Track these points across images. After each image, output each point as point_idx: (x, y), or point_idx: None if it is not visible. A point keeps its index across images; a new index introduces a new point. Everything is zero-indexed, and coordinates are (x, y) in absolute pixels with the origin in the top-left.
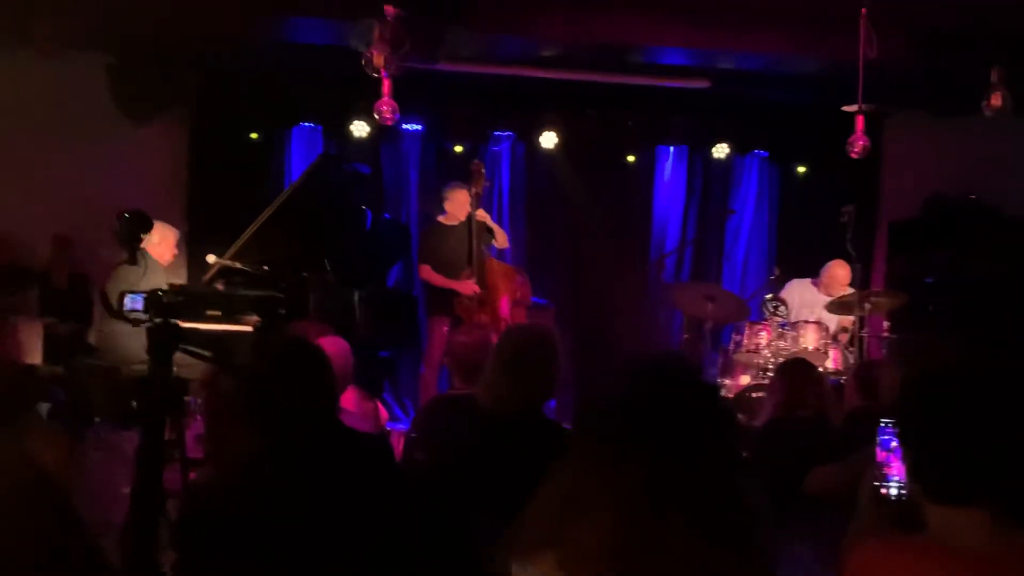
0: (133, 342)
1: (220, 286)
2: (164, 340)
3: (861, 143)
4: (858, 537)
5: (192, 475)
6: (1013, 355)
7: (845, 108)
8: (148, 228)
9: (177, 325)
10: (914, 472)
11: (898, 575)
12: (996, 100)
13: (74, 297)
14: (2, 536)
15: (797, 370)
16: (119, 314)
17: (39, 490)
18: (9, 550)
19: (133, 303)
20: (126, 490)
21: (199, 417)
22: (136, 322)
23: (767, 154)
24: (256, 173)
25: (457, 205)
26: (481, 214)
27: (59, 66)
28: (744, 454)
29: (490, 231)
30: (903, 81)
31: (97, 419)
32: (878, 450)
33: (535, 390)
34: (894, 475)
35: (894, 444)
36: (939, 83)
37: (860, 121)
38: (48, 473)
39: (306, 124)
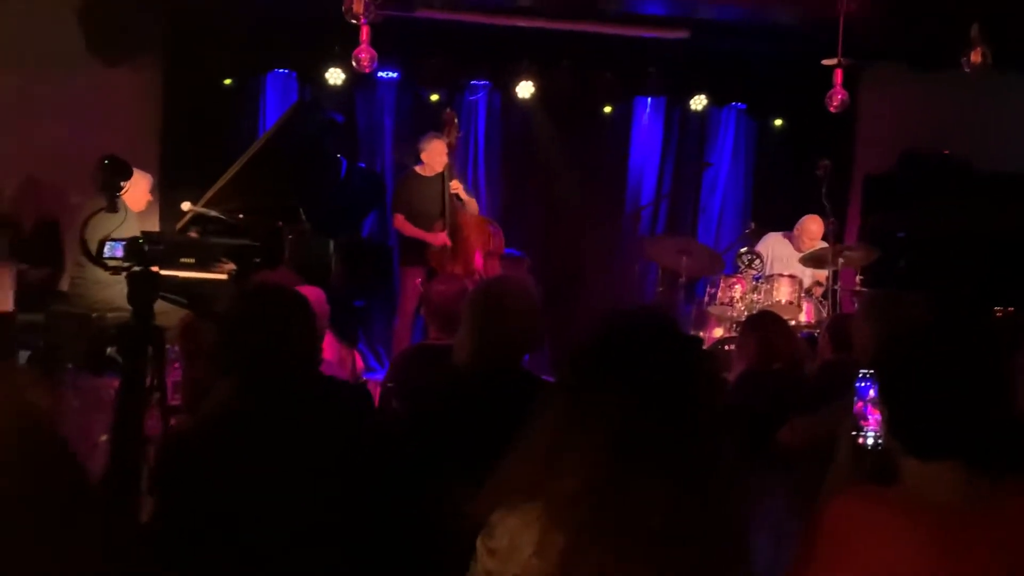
0: (106, 289)
1: (194, 234)
2: (145, 288)
3: (840, 97)
4: (834, 487)
5: (172, 422)
6: (980, 311)
7: (825, 62)
8: (128, 175)
9: (157, 273)
10: (892, 427)
11: (874, 527)
12: (976, 56)
13: (44, 242)
14: (3, 477)
15: (768, 323)
16: (98, 261)
17: (38, 432)
18: (11, 492)
19: (113, 250)
20: (103, 437)
21: (177, 364)
22: (115, 270)
23: (744, 107)
24: (230, 119)
25: (434, 155)
26: (455, 185)
27: (28, 5)
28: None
29: (461, 200)
30: (881, 34)
31: (69, 366)
32: (855, 400)
33: (511, 344)
34: (871, 425)
35: (871, 394)
36: (917, 37)
37: (839, 75)
38: (44, 416)
39: (280, 70)
